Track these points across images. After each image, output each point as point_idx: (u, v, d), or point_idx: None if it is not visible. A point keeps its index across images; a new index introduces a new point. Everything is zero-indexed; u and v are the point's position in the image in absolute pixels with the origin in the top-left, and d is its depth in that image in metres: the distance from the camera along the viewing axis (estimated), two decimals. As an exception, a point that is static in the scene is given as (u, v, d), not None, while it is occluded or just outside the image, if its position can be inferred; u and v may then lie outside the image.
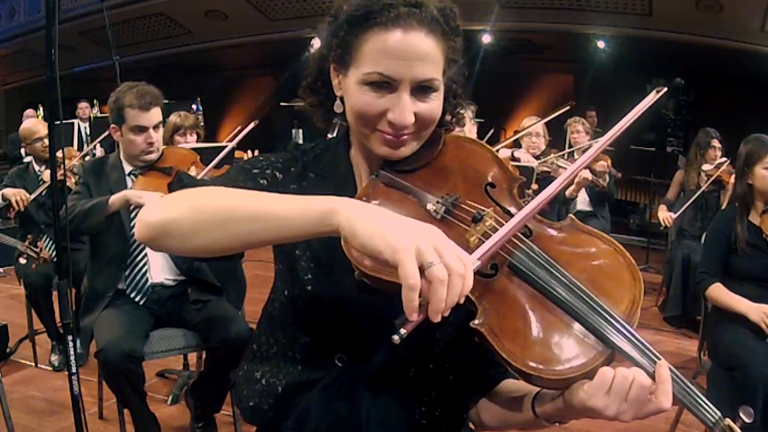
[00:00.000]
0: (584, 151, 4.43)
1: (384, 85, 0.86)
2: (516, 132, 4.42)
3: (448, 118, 1.00)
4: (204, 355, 2.41)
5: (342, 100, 0.93)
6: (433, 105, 0.89)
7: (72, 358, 1.77)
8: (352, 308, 0.91)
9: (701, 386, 2.46)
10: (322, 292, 0.92)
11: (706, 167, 4.05)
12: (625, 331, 0.73)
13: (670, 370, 0.72)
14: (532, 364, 0.73)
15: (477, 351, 0.76)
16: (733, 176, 3.40)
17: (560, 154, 4.04)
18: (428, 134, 0.93)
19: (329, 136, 1.07)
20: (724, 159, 4.03)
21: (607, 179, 4.17)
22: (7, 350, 3.18)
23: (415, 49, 0.84)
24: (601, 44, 7.52)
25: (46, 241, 3.18)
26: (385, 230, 0.68)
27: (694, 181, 4.05)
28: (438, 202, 0.85)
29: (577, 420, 0.80)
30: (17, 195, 3.08)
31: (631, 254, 0.82)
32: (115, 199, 2.18)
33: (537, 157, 3.95)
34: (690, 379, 2.48)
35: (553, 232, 0.85)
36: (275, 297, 1.03)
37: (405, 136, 0.89)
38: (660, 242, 5.62)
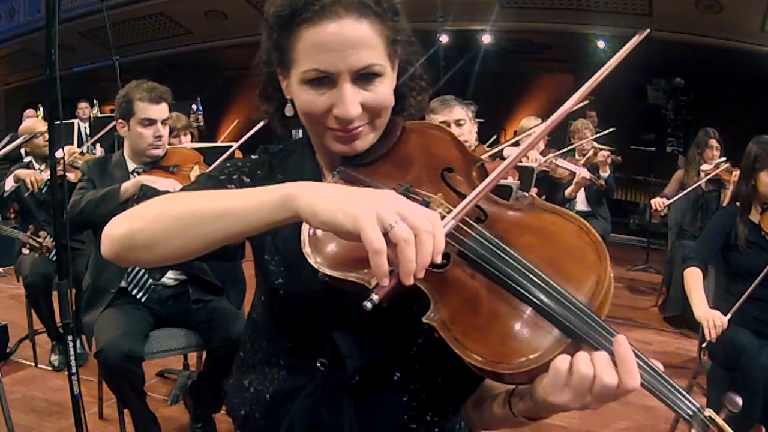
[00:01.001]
0: (584, 155, 4.44)
1: (324, 80, 0.83)
2: (516, 133, 4.42)
3: (411, 102, 0.96)
4: (204, 355, 2.41)
5: (293, 103, 0.91)
6: (380, 92, 0.85)
7: (72, 358, 1.77)
8: (323, 309, 0.89)
9: (701, 386, 2.46)
10: (293, 294, 0.91)
11: (705, 167, 4.06)
12: (584, 316, 0.69)
13: (637, 355, 0.68)
14: (485, 358, 0.69)
15: None
16: (733, 174, 3.41)
17: (559, 153, 4.05)
18: (383, 123, 0.90)
19: None
20: (722, 159, 4.04)
21: (608, 171, 4.18)
22: (7, 350, 3.18)
23: (346, 37, 0.81)
24: (601, 44, 7.53)
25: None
26: (342, 202, 0.68)
27: (693, 180, 4.06)
28: None
29: (555, 414, 0.76)
30: (32, 176, 2.99)
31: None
32: (128, 185, 2.18)
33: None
34: (690, 379, 2.51)
35: (512, 215, 0.80)
36: (256, 302, 1.02)
37: (357, 129, 0.86)
38: (660, 242, 5.62)
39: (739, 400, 0.70)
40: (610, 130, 4.25)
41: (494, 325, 0.71)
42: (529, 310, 0.70)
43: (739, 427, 0.70)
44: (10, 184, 3.08)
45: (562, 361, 0.68)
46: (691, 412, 0.68)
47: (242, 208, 0.74)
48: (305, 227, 0.80)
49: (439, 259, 0.67)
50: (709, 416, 0.67)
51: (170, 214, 0.78)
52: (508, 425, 0.87)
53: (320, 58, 0.82)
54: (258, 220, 0.74)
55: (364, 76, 0.84)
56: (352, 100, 0.83)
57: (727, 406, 0.70)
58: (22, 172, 3.05)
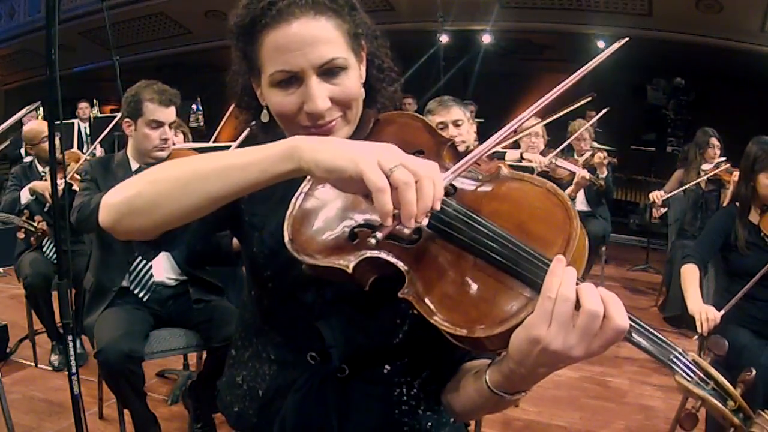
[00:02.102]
0: (582, 155, 4.44)
1: (291, 80, 0.86)
2: (516, 132, 4.41)
3: (383, 93, 0.99)
4: (204, 356, 2.41)
5: (268, 108, 0.93)
6: (346, 84, 0.88)
7: (72, 358, 1.78)
8: (309, 300, 0.91)
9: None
10: (282, 287, 0.93)
11: (705, 167, 4.06)
12: None
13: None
14: (459, 325, 0.71)
15: (440, 334, 0.74)
16: (733, 175, 3.41)
17: (557, 152, 4.04)
18: (355, 115, 0.93)
19: None
20: (722, 158, 4.04)
21: (606, 172, 4.18)
22: (7, 350, 3.18)
23: (305, 35, 0.84)
24: (601, 44, 7.51)
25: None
26: (343, 150, 0.70)
27: (694, 180, 4.06)
28: None
29: (532, 384, 0.75)
30: (49, 189, 2.94)
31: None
32: None
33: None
34: (683, 398, 2.52)
35: (480, 186, 0.83)
36: (246, 300, 1.04)
37: (330, 124, 0.89)
38: (660, 242, 5.62)
39: (725, 343, 0.69)
40: (604, 110, 4.19)
41: (467, 292, 0.73)
42: (500, 273, 0.72)
43: (731, 376, 0.69)
44: (26, 197, 3.04)
45: (548, 291, 0.67)
46: (673, 357, 0.67)
47: (245, 162, 0.75)
48: (287, 220, 0.82)
49: (438, 206, 0.69)
50: (694, 360, 0.67)
51: (169, 176, 0.79)
52: (487, 407, 0.85)
53: (283, 59, 0.85)
54: (262, 172, 0.74)
55: (329, 71, 0.86)
56: (319, 94, 0.85)
57: (712, 349, 0.69)
58: (38, 185, 3.01)
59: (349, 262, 0.76)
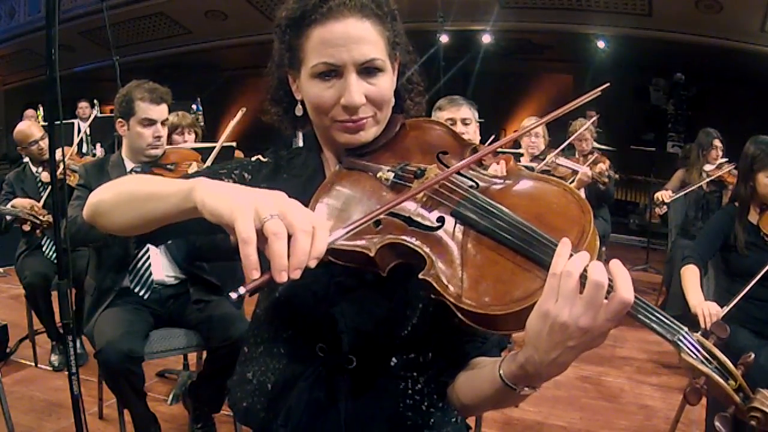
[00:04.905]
0: (585, 155, 4.43)
1: (331, 73, 0.91)
2: (516, 132, 4.40)
3: (409, 104, 1.04)
4: (204, 355, 2.41)
5: (303, 103, 0.98)
6: (381, 85, 0.93)
7: (72, 358, 1.78)
8: (323, 290, 0.94)
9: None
10: (296, 280, 0.95)
11: (707, 167, 4.05)
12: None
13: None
14: (477, 302, 0.74)
15: (452, 328, 0.76)
16: (736, 177, 3.41)
17: (557, 151, 4.04)
18: (385, 117, 0.97)
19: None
20: (725, 159, 4.03)
21: (606, 182, 4.18)
22: (7, 350, 3.18)
23: (351, 34, 0.89)
24: (601, 44, 7.52)
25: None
26: (227, 196, 0.72)
27: (696, 181, 4.05)
28: (388, 170, 0.90)
29: (543, 379, 0.78)
30: (29, 206, 2.92)
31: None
32: None
33: (537, 157, 3.96)
34: (690, 378, 2.52)
35: (502, 182, 0.88)
36: (261, 297, 1.07)
37: (363, 121, 0.93)
38: (660, 242, 5.62)
39: (727, 327, 0.71)
40: (595, 117, 4.20)
41: (486, 273, 0.76)
42: (517, 257, 0.75)
43: (732, 361, 0.71)
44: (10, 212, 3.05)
45: (554, 269, 0.70)
46: (680, 336, 0.69)
47: (163, 194, 0.82)
48: (310, 207, 0.85)
49: (313, 264, 0.69)
50: (698, 340, 0.69)
51: (123, 191, 0.89)
52: (494, 400, 0.87)
53: (328, 53, 0.90)
54: (172, 206, 0.80)
55: (368, 70, 0.92)
56: (357, 89, 0.90)
57: (715, 332, 0.71)
58: (18, 202, 3.00)
59: (372, 245, 0.79)
